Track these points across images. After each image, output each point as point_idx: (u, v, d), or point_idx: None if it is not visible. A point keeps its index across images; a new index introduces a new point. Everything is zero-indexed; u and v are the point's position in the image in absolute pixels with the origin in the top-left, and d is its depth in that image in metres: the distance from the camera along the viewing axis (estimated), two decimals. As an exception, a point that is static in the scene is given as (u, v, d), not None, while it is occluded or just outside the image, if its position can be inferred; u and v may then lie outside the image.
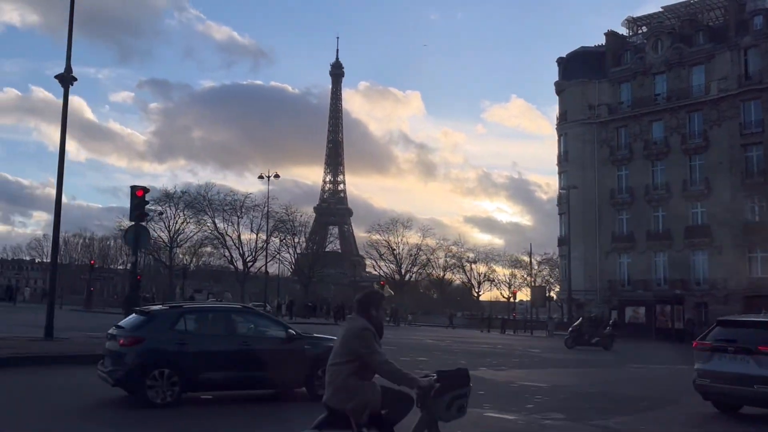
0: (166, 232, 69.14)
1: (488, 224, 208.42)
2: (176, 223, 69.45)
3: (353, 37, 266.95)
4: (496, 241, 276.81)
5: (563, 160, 66.88)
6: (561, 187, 66.11)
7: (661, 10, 66.22)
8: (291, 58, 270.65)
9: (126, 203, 68.90)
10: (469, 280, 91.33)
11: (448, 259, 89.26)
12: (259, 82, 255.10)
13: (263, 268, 72.26)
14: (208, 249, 77.35)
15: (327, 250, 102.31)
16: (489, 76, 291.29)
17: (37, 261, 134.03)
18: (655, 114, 61.48)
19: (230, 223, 72.85)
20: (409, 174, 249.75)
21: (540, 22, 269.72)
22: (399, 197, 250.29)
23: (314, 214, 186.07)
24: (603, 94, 65.19)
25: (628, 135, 63.24)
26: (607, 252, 63.23)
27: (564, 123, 66.99)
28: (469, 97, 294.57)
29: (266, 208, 66.00)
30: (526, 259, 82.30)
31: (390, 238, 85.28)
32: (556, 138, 68.50)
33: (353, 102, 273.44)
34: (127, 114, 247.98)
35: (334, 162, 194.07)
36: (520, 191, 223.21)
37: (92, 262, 74.10)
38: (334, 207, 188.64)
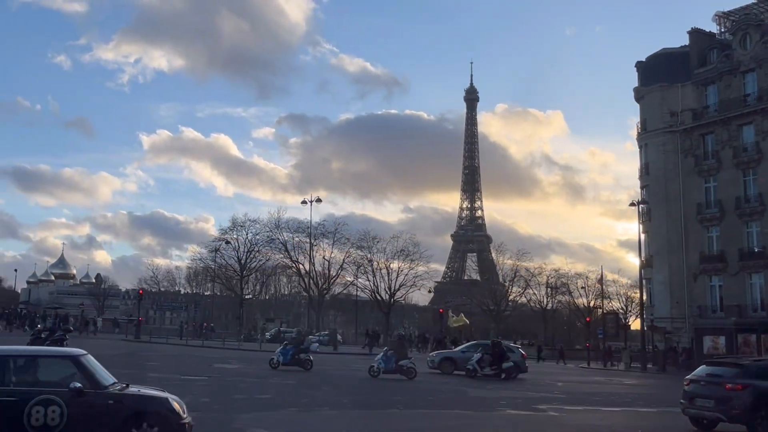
0: (236, 261, 69.04)
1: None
2: (247, 251, 69.16)
3: (487, 60, 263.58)
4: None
5: (644, 173, 60.81)
6: (642, 204, 59.99)
7: (754, 1, 59.10)
8: (424, 85, 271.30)
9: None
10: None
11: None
12: (393, 111, 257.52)
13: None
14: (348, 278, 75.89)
15: (466, 278, 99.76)
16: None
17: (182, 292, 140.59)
18: (744, 117, 54.40)
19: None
20: (554, 197, 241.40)
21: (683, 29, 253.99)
22: (545, 222, 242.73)
23: (452, 242, 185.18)
24: (686, 98, 58.79)
25: (715, 142, 56.39)
26: (696, 274, 56.38)
27: (644, 133, 61.01)
28: (615, 113, 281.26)
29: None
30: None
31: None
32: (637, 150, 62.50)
33: (491, 125, 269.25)
34: (269, 149, 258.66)
35: (471, 188, 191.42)
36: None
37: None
38: (471, 234, 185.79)
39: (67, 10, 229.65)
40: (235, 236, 67.70)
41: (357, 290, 75.28)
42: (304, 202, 58.40)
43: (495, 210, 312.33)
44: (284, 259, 71.46)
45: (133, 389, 10.47)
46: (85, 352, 10.62)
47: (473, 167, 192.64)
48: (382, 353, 28.23)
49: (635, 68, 62.94)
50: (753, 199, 53.10)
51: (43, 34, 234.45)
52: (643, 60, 62.48)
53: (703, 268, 55.92)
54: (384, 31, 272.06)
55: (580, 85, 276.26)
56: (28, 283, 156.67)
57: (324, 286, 72.55)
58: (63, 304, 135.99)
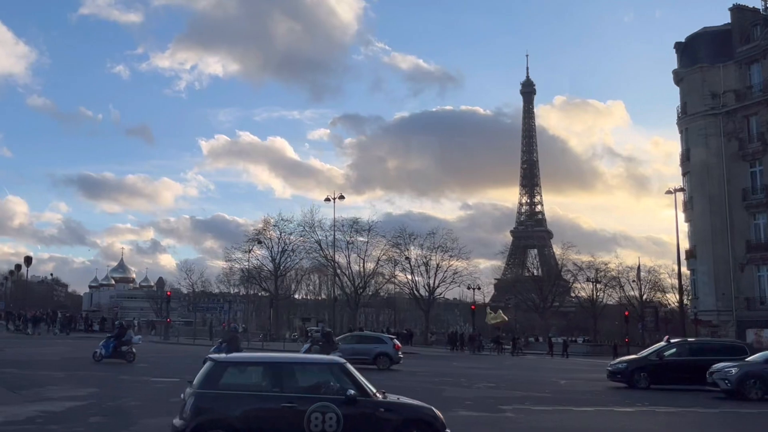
0: (270, 261, 68.70)
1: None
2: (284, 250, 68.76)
3: (544, 51, 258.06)
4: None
5: (685, 159, 57.79)
6: (684, 192, 57.05)
7: (803, -29, 55.53)
8: (479, 80, 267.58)
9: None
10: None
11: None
12: (449, 107, 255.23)
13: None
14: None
15: (527, 274, 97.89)
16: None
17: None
18: (790, 96, 51.18)
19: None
20: (618, 190, 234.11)
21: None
22: (609, 215, 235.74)
23: (511, 238, 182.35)
24: (729, 79, 55.52)
25: (759, 124, 53.18)
26: (742, 264, 53.24)
27: (684, 117, 57.96)
28: (677, 101, 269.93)
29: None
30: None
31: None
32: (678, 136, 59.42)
33: (549, 118, 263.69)
34: (325, 150, 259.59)
35: (530, 183, 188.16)
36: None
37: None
38: (531, 230, 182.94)
39: (123, 21, 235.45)
40: (268, 236, 67.38)
41: (395, 288, 74.10)
42: (327, 200, 57.50)
43: (556, 204, 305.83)
44: (319, 258, 70.85)
45: (392, 397, 10.51)
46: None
47: (532, 161, 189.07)
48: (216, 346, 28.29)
49: (674, 50, 59.82)
50: (802, 183, 49.84)
51: (102, 45, 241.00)
52: (683, 41, 59.33)
53: (749, 257, 52.82)
54: (435, 27, 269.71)
55: (641, 72, 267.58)
56: (90, 287, 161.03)
57: (360, 284, 71.63)
58: (123, 308, 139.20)
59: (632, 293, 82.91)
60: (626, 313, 63.11)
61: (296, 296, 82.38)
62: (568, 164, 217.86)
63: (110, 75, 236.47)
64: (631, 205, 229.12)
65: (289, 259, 69.30)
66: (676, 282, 75.78)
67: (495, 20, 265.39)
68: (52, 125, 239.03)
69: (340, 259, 71.00)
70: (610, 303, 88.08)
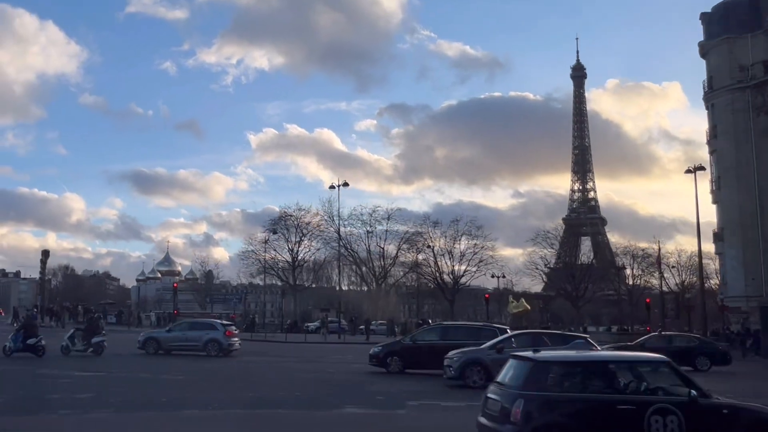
0: (288, 253, 67.77)
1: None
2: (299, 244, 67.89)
3: (594, 34, 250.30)
4: None
5: (712, 137, 54.53)
6: (713, 171, 53.95)
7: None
8: (528, 65, 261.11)
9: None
10: None
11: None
12: (497, 93, 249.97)
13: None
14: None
15: (580, 263, 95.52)
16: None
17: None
18: (822, 65, 47.62)
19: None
20: (676, 174, 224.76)
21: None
22: (668, 201, 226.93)
23: (563, 226, 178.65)
24: (757, 49, 52.11)
25: (790, 97, 49.76)
26: (774, 247, 49.98)
27: (710, 91, 54.65)
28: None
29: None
30: None
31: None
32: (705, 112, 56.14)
33: (602, 102, 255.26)
34: (372, 141, 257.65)
35: (582, 169, 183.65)
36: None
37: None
38: (584, 217, 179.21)
39: (169, 18, 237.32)
40: (285, 226, 66.48)
41: (417, 278, 72.41)
42: (332, 187, 56.12)
43: (611, 191, 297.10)
44: (338, 248, 69.63)
45: (720, 398, 9.65)
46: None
47: (584, 147, 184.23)
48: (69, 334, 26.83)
49: (700, 21, 56.41)
50: (835, 158, 46.35)
51: (149, 42, 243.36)
52: (708, 11, 55.92)
53: (781, 240, 49.53)
54: (481, 12, 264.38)
55: (696, 52, 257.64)
56: (138, 281, 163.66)
57: (380, 274, 70.19)
58: (166, 301, 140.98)
59: (673, 280, 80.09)
60: (647, 300, 60.13)
61: (321, 286, 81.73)
62: (623, 149, 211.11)
63: (158, 71, 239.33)
64: (690, 190, 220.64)
65: (306, 249, 68.41)
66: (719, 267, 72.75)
67: (542, 3, 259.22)
68: (104, 122, 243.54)
69: (360, 249, 69.75)
70: (656, 291, 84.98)
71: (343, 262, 69.89)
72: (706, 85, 55.44)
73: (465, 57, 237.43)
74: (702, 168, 46.54)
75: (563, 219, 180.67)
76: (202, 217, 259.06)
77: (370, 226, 69.93)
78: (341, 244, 68.76)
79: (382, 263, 69.76)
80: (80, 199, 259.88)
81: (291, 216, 67.70)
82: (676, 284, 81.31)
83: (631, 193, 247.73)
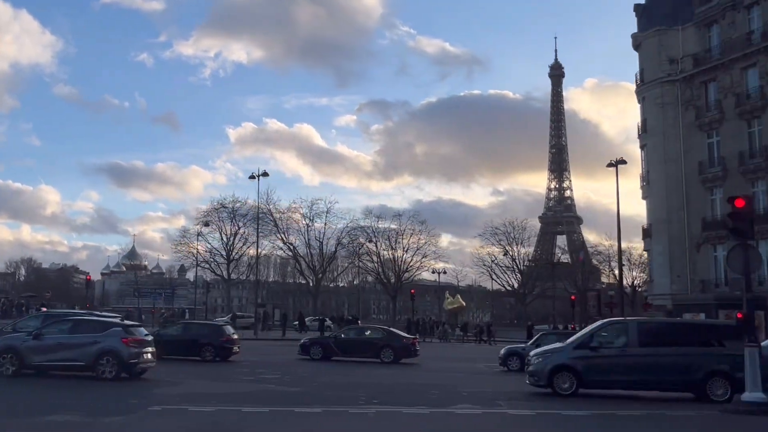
0: (222, 244, 66.37)
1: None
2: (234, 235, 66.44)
3: (573, 33, 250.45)
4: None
5: (642, 131, 53.47)
6: (643, 166, 52.99)
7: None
8: (507, 63, 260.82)
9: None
10: None
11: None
12: (477, 91, 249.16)
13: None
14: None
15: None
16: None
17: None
18: (748, 58, 46.45)
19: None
20: None
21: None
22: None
23: (539, 224, 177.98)
24: (688, 42, 50.96)
25: (717, 90, 48.65)
26: (699, 243, 48.92)
27: (642, 84, 53.56)
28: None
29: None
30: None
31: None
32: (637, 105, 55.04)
33: (580, 102, 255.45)
34: (352, 137, 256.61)
35: (559, 168, 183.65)
36: None
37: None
38: (560, 215, 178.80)
39: (145, 9, 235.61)
40: (218, 219, 65.12)
41: (359, 274, 71.27)
42: (252, 177, 54.80)
43: (589, 190, 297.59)
44: (276, 242, 68.41)
45: None
46: None
47: (561, 146, 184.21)
48: None
49: (634, 12, 55.26)
50: (758, 153, 45.29)
51: (125, 33, 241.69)
52: (642, 2, 54.77)
53: (706, 236, 48.50)
54: (460, 9, 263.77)
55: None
56: (102, 274, 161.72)
57: (320, 269, 68.95)
58: (129, 296, 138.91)
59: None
60: (572, 297, 59.15)
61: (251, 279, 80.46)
62: (601, 148, 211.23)
63: (134, 63, 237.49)
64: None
65: (242, 242, 67.08)
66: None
67: (522, 1, 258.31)
68: (79, 114, 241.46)
69: (299, 243, 68.47)
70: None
71: (282, 256, 68.75)
72: (638, 78, 54.32)
73: (445, 54, 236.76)
74: (623, 162, 45.48)
75: (539, 217, 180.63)
76: (180, 211, 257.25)
77: (310, 220, 68.71)
78: (281, 239, 67.64)
79: (322, 257, 68.44)
80: (55, 191, 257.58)
81: (226, 208, 66.24)
82: (628, 283, 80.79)
83: (609, 192, 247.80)
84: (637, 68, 54.25)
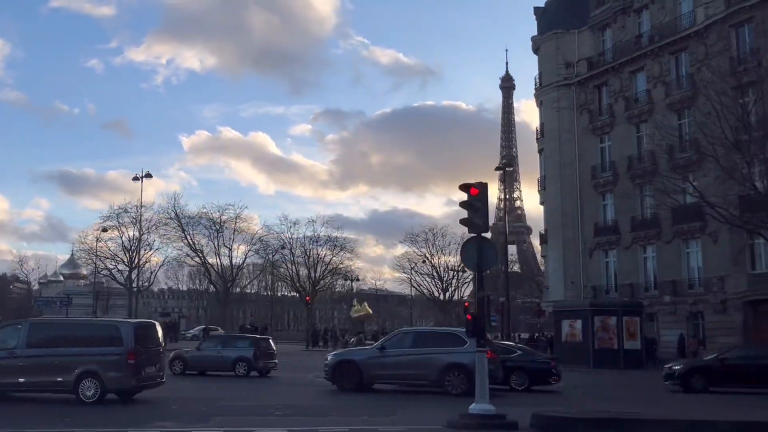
0: (124, 251, 64.29)
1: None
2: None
3: (524, 45, 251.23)
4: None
5: (540, 135, 52.90)
6: (541, 171, 52.42)
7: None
8: (460, 74, 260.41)
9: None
10: None
11: None
12: (430, 102, 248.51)
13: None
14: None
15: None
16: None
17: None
18: (636, 62, 46.10)
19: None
20: None
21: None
22: None
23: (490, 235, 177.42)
24: (584, 46, 50.56)
25: (609, 94, 48.26)
26: (591, 249, 48.36)
27: (540, 88, 53.03)
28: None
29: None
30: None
31: None
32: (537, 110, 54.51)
33: (531, 113, 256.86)
34: (307, 146, 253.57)
35: (510, 178, 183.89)
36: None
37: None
38: (510, 226, 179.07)
39: (95, 14, 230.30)
40: (117, 224, 63.01)
41: (272, 282, 69.70)
42: (135, 179, 52.86)
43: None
44: (185, 249, 66.41)
45: None
46: None
47: (511, 157, 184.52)
48: None
49: (534, 15, 54.78)
50: (646, 158, 44.73)
51: (74, 38, 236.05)
52: (542, 5, 54.31)
53: (597, 241, 48.01)
54: (414, 20, 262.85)
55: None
56: (40, 284, 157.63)
57: (230, 277, 67.18)
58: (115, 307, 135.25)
59: None
60: (466, 304, 58.01)
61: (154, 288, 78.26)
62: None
63: (84, 69, 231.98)
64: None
65: (148, 249, 65.02)
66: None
67: (473, 13, 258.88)
68: (28, 120, 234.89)
69: (211, 254, 66.63)
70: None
71: (190, 264, 67.05)
72: (537, 81, 53.79)
73: (398, 64, 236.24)
74: (510, 165, 44.77)
75: (490, 227, 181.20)
76: (131, 220, 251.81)
77: (220, 227, 66.85)
78: (188, 244, 65.79)
79: (231, 266, 66.68)
80: (4, 198, 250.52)
81: (128, 212, 64.15)
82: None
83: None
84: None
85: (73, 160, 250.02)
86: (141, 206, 61.52)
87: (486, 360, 14.77)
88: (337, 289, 75.73)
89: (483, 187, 14.97)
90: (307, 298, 62.77)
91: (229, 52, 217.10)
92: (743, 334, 37.55)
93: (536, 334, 53.96)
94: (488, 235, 15.76)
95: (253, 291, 77.22)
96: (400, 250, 69.06)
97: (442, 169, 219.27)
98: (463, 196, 14.96)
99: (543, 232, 52.55)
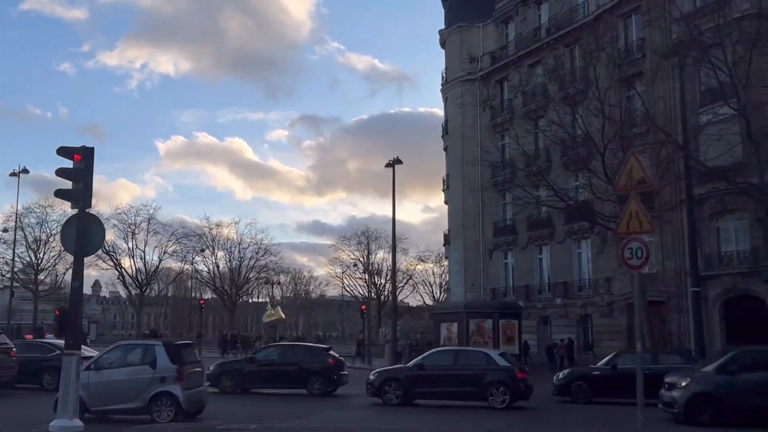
0: (30, 254, 62.03)
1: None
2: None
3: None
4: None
5: (445, 132, 51.08)
6: (446, 169, 50.61)
7: None
8: (436, 81, 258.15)
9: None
10: None
11: None
12: (407, 108, 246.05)
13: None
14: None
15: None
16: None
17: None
18: (534, 55, 44.39)
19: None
20: None
21: None
22: None
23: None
24: (488, 39, 48.84)
25: (509, 89, 46.51)
26: (491, 250, 46.52)
27: (445, 84, 51.23)
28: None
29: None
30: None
31: None
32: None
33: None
34: (284, 152, 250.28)
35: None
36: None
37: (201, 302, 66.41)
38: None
39: (67, 17, 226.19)
40: (18, 224, 60.66)
41: (193, 287, 67.50)
42: (12, 174, 50.87)
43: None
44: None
45: None
46: None
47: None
48: None
49: (442, 7, 52.96)
50: (542, 155, 42.95)
51: (46, 42, 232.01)
52: (450, -1, 52.52)
53: (496, 242, 46.19)
54: (389, 26, 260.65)
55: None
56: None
57: (144, 281, 64.97)
58: (23, 311, 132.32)
59: None
60: (363, 307, 56.12)
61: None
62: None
63: (56, 72, 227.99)
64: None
65: (52, 251, 62.76)
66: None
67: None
68: (0, 124, 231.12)
69: (124, 256, 64.45)
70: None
71: (102, 268, 64.89)
72: (443, 76, 51.94)
73: (374, 70, 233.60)
74: (399, 161, 42.88)
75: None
76: (107, 225, 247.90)
77: (134, 229, 64.67)
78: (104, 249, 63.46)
79: (144, 270, 64.47)
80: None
81: (33, 212, 61.86)
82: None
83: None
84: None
85: (46, 165, 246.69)
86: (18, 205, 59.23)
87: (75, 366, 12.10)
88: (269, 294, 73.50)
89: (88, 153, 12.75)
90: (201, 301, 60.49)
91: (205, 57, 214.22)
92: (628, 337, 35.87)
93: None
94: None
95: (170, 295, 75.07)
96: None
97: (418, 176, 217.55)
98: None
99: (446, 232, 50.57)
